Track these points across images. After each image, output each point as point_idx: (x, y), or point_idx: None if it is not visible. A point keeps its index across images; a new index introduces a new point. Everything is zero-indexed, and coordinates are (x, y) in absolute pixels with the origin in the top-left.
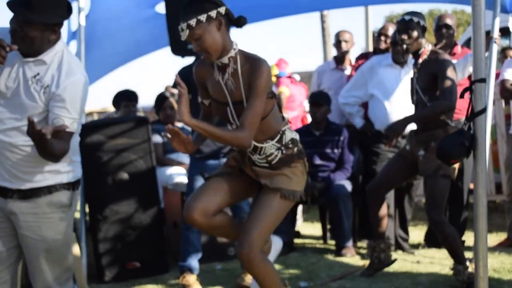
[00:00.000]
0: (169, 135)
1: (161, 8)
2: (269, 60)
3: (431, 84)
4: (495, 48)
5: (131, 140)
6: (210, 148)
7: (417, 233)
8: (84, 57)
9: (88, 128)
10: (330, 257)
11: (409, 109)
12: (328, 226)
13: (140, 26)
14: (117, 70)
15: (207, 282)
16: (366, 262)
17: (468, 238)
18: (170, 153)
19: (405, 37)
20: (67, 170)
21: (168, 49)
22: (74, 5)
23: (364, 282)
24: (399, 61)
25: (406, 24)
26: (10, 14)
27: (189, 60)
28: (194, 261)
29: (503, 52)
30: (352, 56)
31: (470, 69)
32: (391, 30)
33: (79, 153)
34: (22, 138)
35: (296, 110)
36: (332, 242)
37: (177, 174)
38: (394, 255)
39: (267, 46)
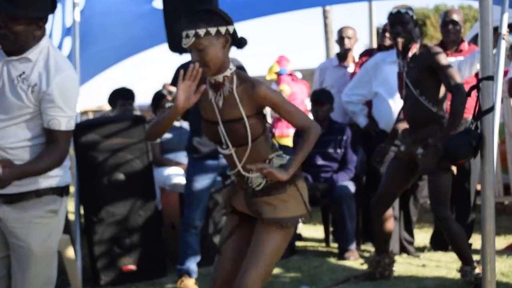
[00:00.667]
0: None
1: (158, 3)
2: (270, 57)
3: (424, 77)
4: (503, 45)
5: (127, 139)
6: (209, 148)
7: (422, 236)
8: (79, 54)
9: (83, 127)
10: (333, 260)
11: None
12: (331, 229)
13: (136, 22)
14: (113, 67)
15: (206, 286)
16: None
17: (475, 240)
18: (168, 153)
19: (400, 29)
20: (56, 174)
21: (165, 46)
22: (69, 1)
23: (368, 286)
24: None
25: (401, 16)
26: None
27: (187, 57)
28: (192, 264)
29: (511, 49)
30: (355, 53)
31: (477, 67)
32: None
33: (69, 158)
34: (9, 140)
35: None
36: (335, 245)
37: (175, 174)
38: (399, 258)
39: (268, 42)
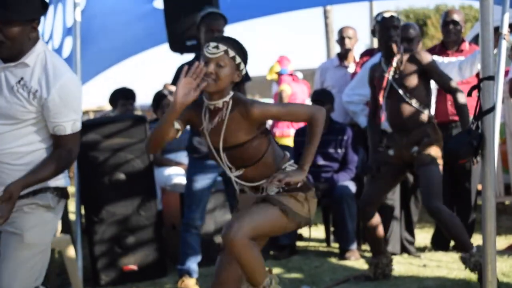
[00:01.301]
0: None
1: (159, 3)
2: (270, 57)
3: (416, 80)
4: (504, 45)
5: (128, 139)
6: None
7: (423, 236)
8: (80, 53)
9: (84, 127)
10: (334, 260)
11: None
12: (332, 229)
13: (137, 22)
14: (113, 67)
15: (207, 286)
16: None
17: (476, 240)
18: (169, 153)
19: (394, 33)
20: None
21: (166, 46)
22: (70, 1)
23: (369, 286)
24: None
25: (394, 20)
26: None
27: (189, 57)
28: (193, 264)
29: None
30: (356, 53)
31: (478, 67)
32: None
33: None
34: (12, 145)
35: None
36: (336, 245)
37: (176, 174)
38: (400, 258)
39: (269, 42)
